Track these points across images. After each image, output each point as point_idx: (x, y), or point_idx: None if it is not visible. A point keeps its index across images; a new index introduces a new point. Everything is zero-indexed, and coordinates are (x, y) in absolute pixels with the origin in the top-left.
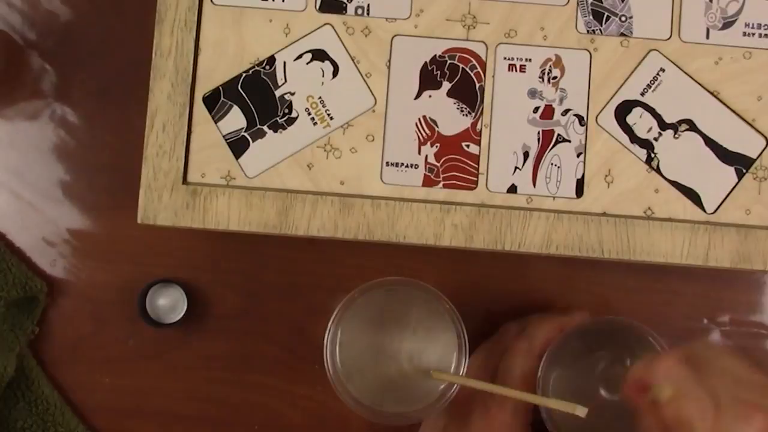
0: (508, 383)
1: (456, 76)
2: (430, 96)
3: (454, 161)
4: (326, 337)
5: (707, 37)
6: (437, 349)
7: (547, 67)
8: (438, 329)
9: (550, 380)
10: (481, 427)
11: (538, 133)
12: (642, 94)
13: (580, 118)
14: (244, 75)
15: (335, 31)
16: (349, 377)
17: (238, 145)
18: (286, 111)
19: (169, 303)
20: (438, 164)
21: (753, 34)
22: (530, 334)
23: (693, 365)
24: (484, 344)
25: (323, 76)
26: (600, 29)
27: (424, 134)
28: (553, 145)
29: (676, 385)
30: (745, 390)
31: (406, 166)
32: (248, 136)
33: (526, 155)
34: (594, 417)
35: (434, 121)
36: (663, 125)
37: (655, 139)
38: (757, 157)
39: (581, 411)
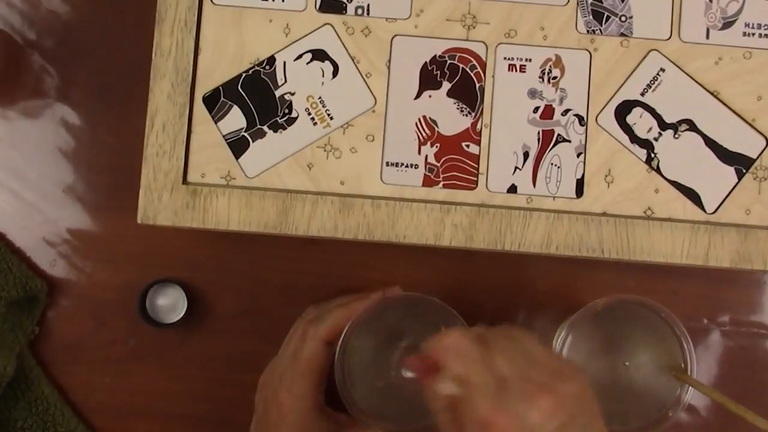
0: (295, 368)
1: (456, 76)
2: (430, 96)
3: (454, 161)
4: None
5: (707, 37)
6: None
7: (547, 67)
8: None
9: (345, 366)
10: (274, 415)
11: (538, 133)
12: (642, 94)
13: (580, 118)
14: (244, 75)
15: (335, 31)
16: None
17: (238, 145)
18: (286, 111)
19: (169, 303)
20: (438, 164)
21: (753, 34)
22: (320, 319)
23: (484, 342)
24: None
25: (323, 76)
26: (600, 29)
27: (424, 134)
28: (553, 145)
29: (459, 363)
30: (536, 371)
31: (406, 166)
32: (248, 136)
33: (526, 155)
34: (393, 396)
35: (434, 121)
36: (663, 125)
37: (655, 139)
38: (757, 157)
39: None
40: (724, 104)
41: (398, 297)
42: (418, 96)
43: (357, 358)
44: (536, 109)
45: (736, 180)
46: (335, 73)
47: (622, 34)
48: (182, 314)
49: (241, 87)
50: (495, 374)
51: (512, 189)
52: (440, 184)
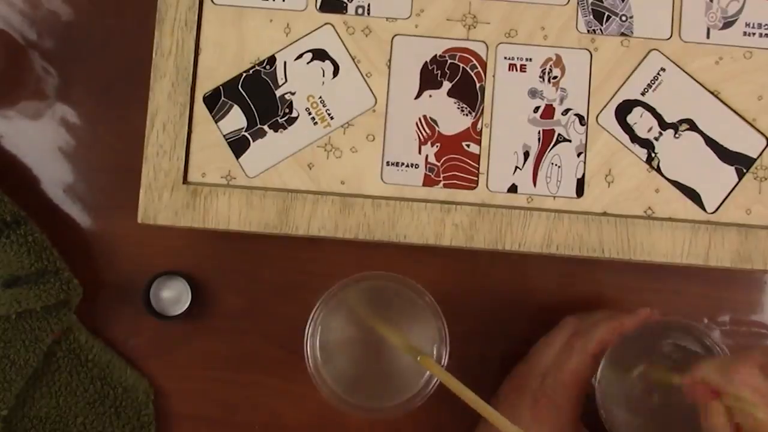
0: (558, 377)
1: (456, 75)
2: (430, 96)
3: (454, 161)
4: (306, 332)
5: (708, 36)
6: (418, 343)
7: (548, 67)
8: (419, 323)
9: (609, 383)
10: (529, 417)
11: (539, 132)
12: (642, 94)
13: (581, 118)
14: (244, 75)
15: (336, 30)
16: (331, 371)
17: (238, 145)
18: (287, 111)
19: (174, 295)
20: (438, 164)
21: (753, 34)
22: (588, 332)
23: None
24: (543, 337)
25: (323, 75)
26: (600, 29)
27: (424, 134)
28: (554, 145)
29: (755, 396)
30: None
31: (407, 166)
32: (249, 136)
33: (526, 155)
34: (653, 419)
35: (434, 121)
36: (663, 125)
37: (656, 139)
38: (758, 157)
39: None
40: (725, 104)
41: (667, 321)
42: (418, 96)
43: (620, 376)
44: (536, 108)
45: (737, 180)
46: (336, 72)
47: (623, 34)
48: (186, 306)
49: (241, 87)
50: None
51: (513, 189)
52: (441, 184)
